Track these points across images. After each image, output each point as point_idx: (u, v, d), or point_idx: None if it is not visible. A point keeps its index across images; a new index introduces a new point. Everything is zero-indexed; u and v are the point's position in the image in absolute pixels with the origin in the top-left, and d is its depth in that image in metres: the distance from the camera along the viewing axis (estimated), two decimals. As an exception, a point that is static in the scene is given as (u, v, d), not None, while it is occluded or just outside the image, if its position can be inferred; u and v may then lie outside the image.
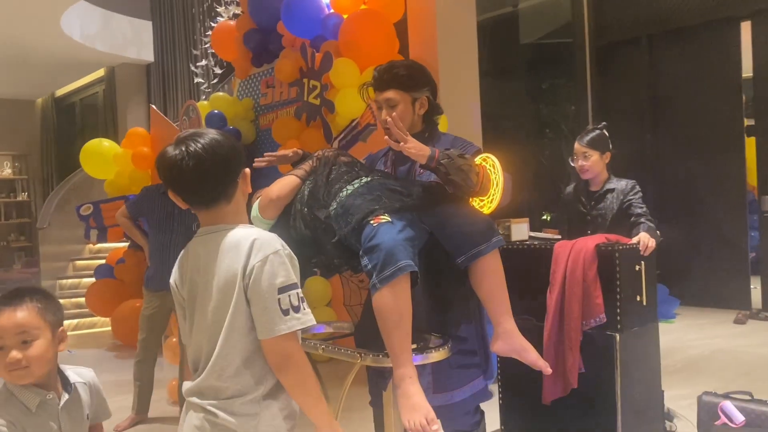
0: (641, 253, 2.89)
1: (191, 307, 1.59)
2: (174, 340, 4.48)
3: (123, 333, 6.35)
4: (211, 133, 1.57)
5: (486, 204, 2.14)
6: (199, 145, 1.52)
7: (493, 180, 2.07)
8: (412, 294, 1.92)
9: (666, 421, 3.26)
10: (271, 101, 6.22)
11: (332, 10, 5.31)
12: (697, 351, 5.07)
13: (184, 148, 1.53)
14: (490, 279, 2.03)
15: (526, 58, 8.19)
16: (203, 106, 6.40)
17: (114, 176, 7.08)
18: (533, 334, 2.51)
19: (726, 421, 3.14)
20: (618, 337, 2.78)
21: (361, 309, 2.49)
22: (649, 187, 6.21)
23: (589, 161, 3.46)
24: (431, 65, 5.17)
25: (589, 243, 2.87)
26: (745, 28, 6.42)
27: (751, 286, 6.55)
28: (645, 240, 2.93)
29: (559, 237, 3.26)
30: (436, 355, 2.02)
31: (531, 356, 2.12)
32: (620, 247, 2.82)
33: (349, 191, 2.03)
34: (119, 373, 5.39)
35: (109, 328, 7.17)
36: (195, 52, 8.57)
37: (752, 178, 6.89)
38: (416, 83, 2.28)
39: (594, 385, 2.82)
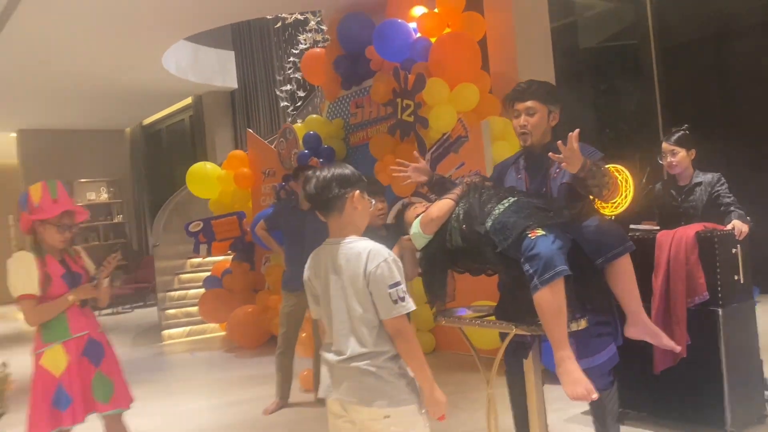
0: (736, 237, 3.29)
1: (326, 295, 2.20)
2: (304, 335, 5.03)
3: (239, 336, 6.98)
4: (336, 165, 2.23)
5: (609, 208, 2.60)
6: (321, 169, 2.21)
7: (622, 191, 2.53)
8: None
9: (765, 391, 3.60)
10: (360, 120, 6.79)
11: (419, 35, 5.85)
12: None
13: (312, 171, 2.23)
14: (624, 278, 2.53)
15: (594, 61, 8.50)
16: (299, 127, 7.03)
17: (218, 195, 7.78)
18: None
19: (821, 385, 3.49)
20: (720, 312, 3.19)
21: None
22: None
23: (677, 158, 3.82)
24: (511, 76, 5.69)
25: (689, 231, 3.29)
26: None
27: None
28: (739, 226, 3.34)
29: (658, 228, 3.67)
30: (576, 325, 2.50)
31: (663, 339, 2.65)
32: (718, 233, 3.23)
33: (501, 210, 2.52)
34: (245, 370, 6.05)
35: (219, 333, 7.88)
36: (278, 77, 9.27)
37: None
38: (553, 98, 2.76)
39: (700, 355, 3.22)
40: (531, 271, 2.36)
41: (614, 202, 2.59)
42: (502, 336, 2.73)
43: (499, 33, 5.86)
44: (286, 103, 8.96)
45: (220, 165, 8.08)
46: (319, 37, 8.36)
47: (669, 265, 3.31)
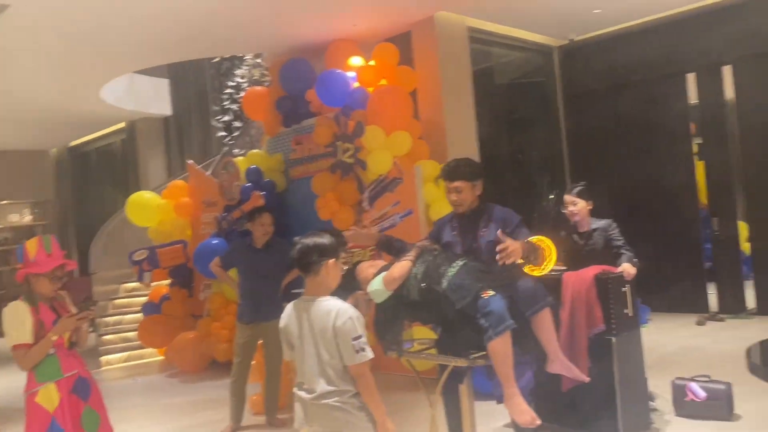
0: (625, 279, 4.05)
1: (300, 343, 2.72)
2: (253, 363, 5.43)
3: (181, 361, 7.25)
4: (319, 235, 2.72)
5: (537, 271, 3.28)
6: (307, 237, 2.71)
7: (546, 257, 3.22)
8: None
9: (650, 401, 4.39)
10: (300, 156, 7.28)
11: (357, 85, 6.43)
12: (668, 349, 6.26)
13: (299, 238, 2.72)
14: (545, 326, 3.23)
15: (508, 97, 9.29)
16: (240, 161, 7.43)
17: (157, 224, 8.01)
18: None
19: (693, 397, 4.32)
20: (614, 340, 3.93)
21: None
22: (618, 213, 7.44)
23: (577, 208, 4.57)
24: (438, 122, 6.38)
25: (588, 273, 4.03)
26: (691, 78, 7.79)
27: (709, 292, 7.80)
28: (627, 269, 4.10)
29: (565, 268, 4.39)
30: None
31: (574, 372, 3.38)
32: (611, 276, 3.98)
33: (453, 272, 3.12)
34: (191, 395, 6.37)
35: (157, 358, 8.08)
36: (215, 107, 9.59)
37: (703, 197, 8.15)
38: (476, 175, 3.39)
39: (598, 375, 3.93)
40: (486, 324, 2.97)
41: (542, 267, 3.26)
42: (442, 366, 3.34)
43: (427, 85, 6.55)
44: (223, 133, 9.29)
45: (152, 190, 8.30)
46: (256, 72, 8.79)
47: (572, 301, 4.02)
